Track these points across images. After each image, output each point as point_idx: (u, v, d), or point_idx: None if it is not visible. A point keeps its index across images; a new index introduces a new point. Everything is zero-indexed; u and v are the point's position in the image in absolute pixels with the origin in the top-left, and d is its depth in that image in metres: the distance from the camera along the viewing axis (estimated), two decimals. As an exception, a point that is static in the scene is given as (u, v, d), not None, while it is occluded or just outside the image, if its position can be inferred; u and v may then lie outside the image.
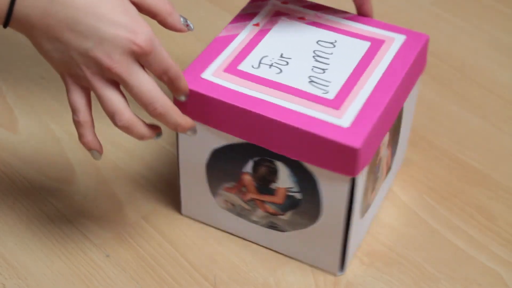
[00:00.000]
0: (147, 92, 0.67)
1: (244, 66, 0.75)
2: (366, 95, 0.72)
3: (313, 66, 0.75)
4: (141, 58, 0.66)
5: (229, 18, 1.13)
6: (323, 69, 0.74)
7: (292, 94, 0.72)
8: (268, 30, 0.79)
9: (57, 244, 0.81)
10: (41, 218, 0.83)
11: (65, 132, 0.94)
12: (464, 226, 0.84)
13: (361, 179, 0.72)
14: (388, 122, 0.74)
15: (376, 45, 0.78)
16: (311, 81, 0.73)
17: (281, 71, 0.74)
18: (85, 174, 0.89)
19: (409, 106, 0.82)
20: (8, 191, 0.86)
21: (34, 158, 0.90)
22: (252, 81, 0.73)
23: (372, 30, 0.80)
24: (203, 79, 0.73)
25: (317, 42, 0.77)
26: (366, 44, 0.77)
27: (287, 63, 0.75)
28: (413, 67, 0.77)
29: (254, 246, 0.81)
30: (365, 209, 0.77)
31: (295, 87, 0.73)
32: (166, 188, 0.87)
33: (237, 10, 1.13)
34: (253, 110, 0.70)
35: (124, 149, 0.92)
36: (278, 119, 0.69)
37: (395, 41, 0.78)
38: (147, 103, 0.67)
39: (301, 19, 0.80)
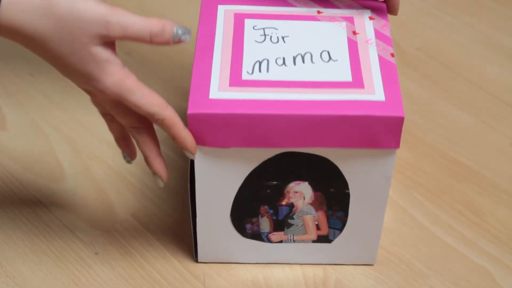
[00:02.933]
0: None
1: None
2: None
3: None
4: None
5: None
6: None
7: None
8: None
9: (46, 241, 0.81)
10: (29, 216, 0.83)
11: (54, 129, 0.93)
12: (453, 223, 0.84)
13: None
14: None
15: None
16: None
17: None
18: (74, 172, 0.88)
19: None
20: (-4, 188, 0.86)
21: (22, 155, 0.90)
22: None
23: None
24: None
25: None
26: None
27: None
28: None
29: (244, 243, 0.81)
30: None
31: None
32: (155, 185, 0.87)
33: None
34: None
35: (112, 146, 0.92)
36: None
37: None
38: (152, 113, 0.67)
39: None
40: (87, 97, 0.97)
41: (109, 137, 0.93)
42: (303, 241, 0.77)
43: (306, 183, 0.72)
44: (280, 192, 0.73)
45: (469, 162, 0.91)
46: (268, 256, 0.78)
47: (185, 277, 0.78)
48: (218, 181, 0.72)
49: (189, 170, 0.73)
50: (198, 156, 0.70)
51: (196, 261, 0.79)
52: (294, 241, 0.76)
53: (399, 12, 1.14)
